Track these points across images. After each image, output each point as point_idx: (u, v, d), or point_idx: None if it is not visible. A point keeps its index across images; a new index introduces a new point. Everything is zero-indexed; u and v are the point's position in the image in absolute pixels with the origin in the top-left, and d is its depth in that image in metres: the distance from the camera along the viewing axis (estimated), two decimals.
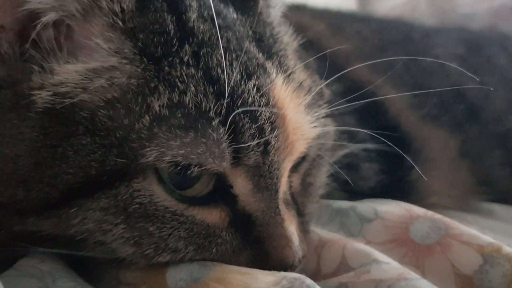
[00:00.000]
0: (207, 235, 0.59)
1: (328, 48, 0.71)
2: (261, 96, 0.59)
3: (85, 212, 0.56)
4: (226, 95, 0.56)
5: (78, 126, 0.55)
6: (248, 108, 0.57)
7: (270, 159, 0.59)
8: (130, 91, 0.55)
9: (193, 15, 0.60)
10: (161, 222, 0.57)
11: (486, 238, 0.67)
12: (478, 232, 0.69)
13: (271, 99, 0.60)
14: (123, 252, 0.58)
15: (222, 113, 0.56)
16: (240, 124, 0.57)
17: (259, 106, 0.58)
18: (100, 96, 0.56)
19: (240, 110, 0.56)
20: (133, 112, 0.55)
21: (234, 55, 0.59)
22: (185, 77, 0.56)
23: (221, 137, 0.56)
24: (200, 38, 0.59)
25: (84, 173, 0.55)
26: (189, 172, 0.56)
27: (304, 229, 0.66)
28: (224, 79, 0.57)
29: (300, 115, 0.62)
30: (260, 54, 0.63)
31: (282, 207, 0.62)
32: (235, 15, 0.65)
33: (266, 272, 0.58)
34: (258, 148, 0.58)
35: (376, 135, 0.69)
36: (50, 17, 0.56)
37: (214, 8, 0.60)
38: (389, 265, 0.63)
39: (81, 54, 0.57)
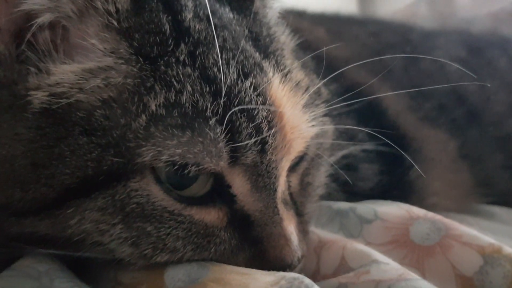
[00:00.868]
0: (206, 235, 0.59)
1: (328, 53, 0.71)
2: (258, 95, 0.59)
3: (82, 212, 0.56)
4: (223, 94, 0.56)
5: (74, 126, 0.55)
6: (245, 107, 0.57)
7: (268, 158, 0.59)
8: (126, 91, 0.55)
9: (188, 15, 0.60)
10: (159, 222, 0.57)
11: (487, 238, 0.67)
12: (478, 233, 0.69)
13: (268, 98, 0.59)
14: (121, 252, 0.58)
15: (219, 112, 0.56)
16: (237, 123, 0.57)
17: (256, 105, 0.58)
18: (96, 96, 0.55)
19: (237, 109, 0.56)
20: (130, 112, 0.55)
21: (230, 54, 0.59)
22: (181, 76, 0.56)
23: (218, 136, 0.56)
24: (196, 37, 0.59)
25: (81, 173, 0.55)
26: (186, 171, 0.56)
27: (303, 229, 0.66)
28: (221, 78, 0.57)
29: (297, 114, 0.62)
30: (257, 53, 0.63)
31: (280, 207, 0.62)
32: (231, 15, 0.65)
33: (264, 272, 0.58)
34: (256, 147, 0.58)
35: (375, 134, 0.69)
36: (45, 18, 0.56)
37: (210, 7, 0.60)
38: (389, 265, 0.63)
39: (77, 54, 0.57)
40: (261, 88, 0.59)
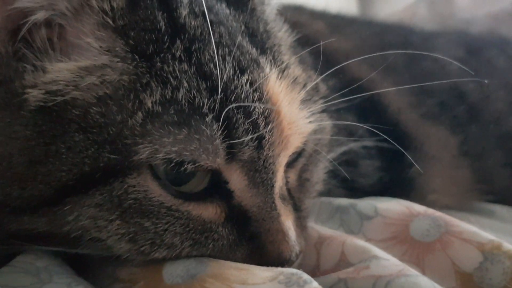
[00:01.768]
0: (203, 231, 0.59)
1: (327, 46, 0.71)
2: (255, 91, 0.58)
3: (79, 209, 0.56)
4: (219, 91, 0.56)
5: (70, 123, 0.55)
6: (241, 104, 0.57)
7: (265, 154, 0.59)
8: (122, 88, 0.55)
9: (184, 11, 0.60)
10: (157, 217, 0.57)
11: (486, 235, 0.67)
12: (478, 230, 0.69)
13: (265, 94, 0.59)
14: (119, 248, 0.58)
15: (216, 108, 0.56)
16: (234, 119, 0.56)
17: (253, 101, 0.58)
18: (92, 94, 0.56)
19: (233, 105, 0.56)
20: (126, 109, 0.55)
21: (226, 50, 0.59)
22: (177, 73, 0.56)
23: (215, 133, 0.56)
24: (191, 33, 0.59)
25: (77, 170, 0.55)
26: (182, 168, 0.56)
27: (301, 224, 0.66)
28: (217, 74, 0.57)
29: (294, 110, 0.62)
30: (254, 49, 0.62)
31: (278, 202, 0.62)
32: (227, 11, 0.65)
33: (263, 267, 0.58)
34: (253, 143, 0.58)
35: (376, 131, 0.69)
36: (39, 15, 0.56)
37: (206, 3, 0.60)
38: (388, 261, 0.63)
39: (73, 52, 0.57)
40: (257, 84, 0.59)
